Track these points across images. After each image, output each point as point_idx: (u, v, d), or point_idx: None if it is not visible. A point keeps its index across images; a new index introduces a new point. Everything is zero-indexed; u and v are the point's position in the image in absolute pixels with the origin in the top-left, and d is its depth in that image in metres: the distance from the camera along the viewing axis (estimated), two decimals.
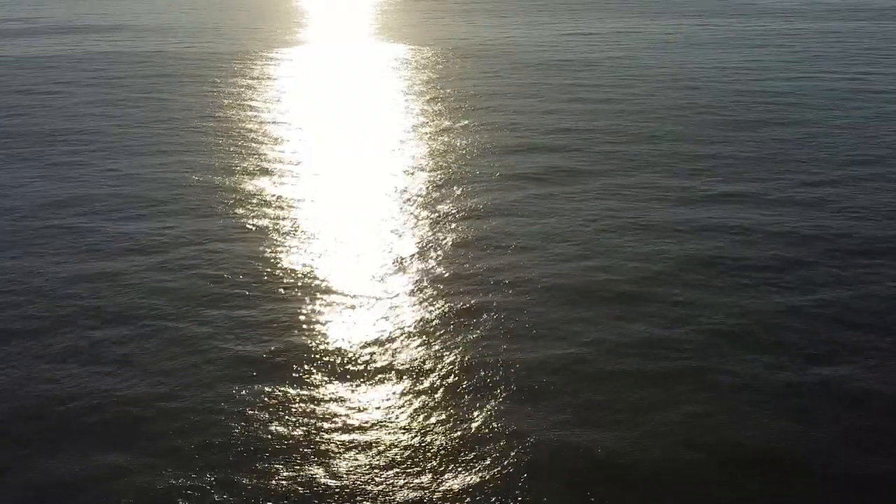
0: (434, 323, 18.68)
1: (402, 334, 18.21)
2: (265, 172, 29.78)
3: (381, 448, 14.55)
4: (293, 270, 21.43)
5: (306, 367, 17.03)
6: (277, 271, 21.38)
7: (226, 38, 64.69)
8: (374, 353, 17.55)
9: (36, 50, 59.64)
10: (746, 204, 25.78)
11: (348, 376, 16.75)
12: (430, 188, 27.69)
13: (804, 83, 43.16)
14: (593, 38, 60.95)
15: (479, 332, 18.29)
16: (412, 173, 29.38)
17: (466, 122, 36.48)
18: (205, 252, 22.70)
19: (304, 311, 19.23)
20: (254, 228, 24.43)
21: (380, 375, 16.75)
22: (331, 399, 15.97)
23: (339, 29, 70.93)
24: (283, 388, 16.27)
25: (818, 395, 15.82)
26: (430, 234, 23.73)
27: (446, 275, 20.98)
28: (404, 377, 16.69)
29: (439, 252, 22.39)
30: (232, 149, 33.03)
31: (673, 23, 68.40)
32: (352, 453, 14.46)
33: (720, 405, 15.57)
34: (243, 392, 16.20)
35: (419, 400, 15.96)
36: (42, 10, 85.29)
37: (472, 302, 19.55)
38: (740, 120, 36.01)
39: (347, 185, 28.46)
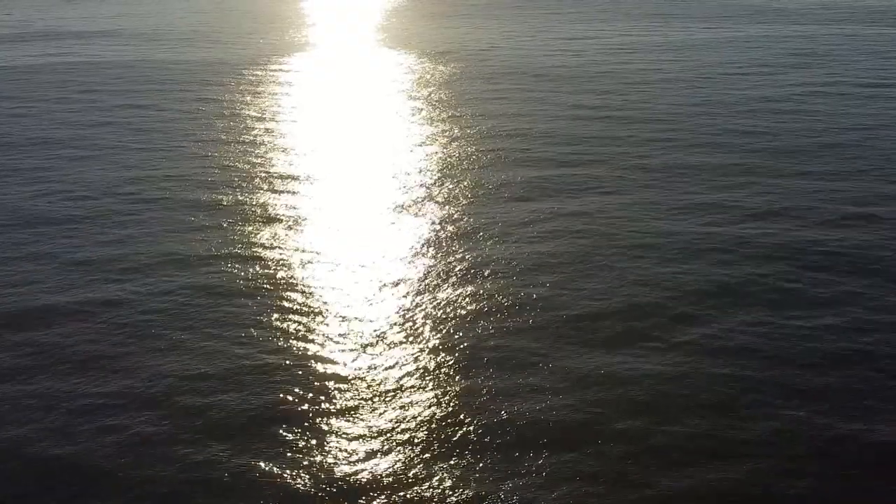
0: (428, 369, 16.28)
1: (393, 382, 15.86)
2: (245, 191, 27.23)
3: None
4: (274, 307, 18.79)
5: (286, 426, 14.47)
6: (256, 310, 18.74)
7: (218, 45, 62.16)
8: (363, 405, 15.20)
9: (17, 58, 57.23)
10: (783, 220, 23.26)
11: (328, 439, 14.30)
12: (431, 206, 25.27)
13: (828, 89, 40.58)
14: (604, 44, 58.38)
15: (477, 378, 15.91)
16: (410, 190, 26.90)
17: (470, 131, 34.01)
18: (174, 294, 19.80)
19: (283, 362, 16.59)
20: (232, 255, 21.80)
21: (370, 430, 14.42)
22: (312, 465, 13.44)
23: (341, 35, 68.31)
24: (260, 452, 13.69)
25: (874, 459, 13.30)
26: (428, 260, 21.28)
27: (445, 309, 18.55)
28: (395, 432, 14.35)
29: (437, 283, 19.90)
30: (209, 163, 30.50)
31: (687, 27, 65.90)
32: None
33: (752, 469, 13.12)
34: (217, 460, 13.62)
35: (412, 458, 13.66)
36: (31, 15, 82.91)
37: (472, 343, 17.18)
38: (766, 131, 33.41)
39: (341, 201, 26.05)
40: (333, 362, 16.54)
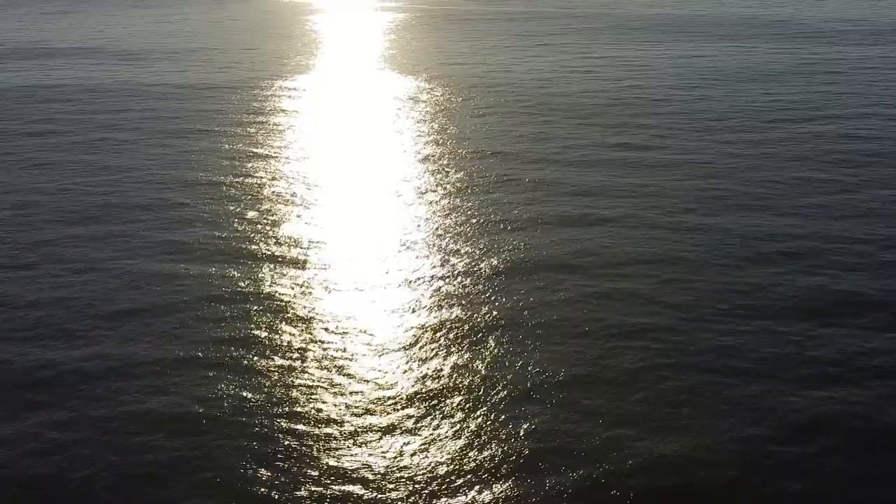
0: (428, 453, 13.77)
1: (394, 459, 13.65)
2: (213, 228, 23.48)
3: None
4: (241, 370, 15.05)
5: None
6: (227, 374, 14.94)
7: (205, 65, 58.27)
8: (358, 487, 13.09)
9: None
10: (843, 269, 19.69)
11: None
12: (432, 250, 22.25)
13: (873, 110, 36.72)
14: (621, 64, 54.48)
15: (487, 450, 13.76)
16: (414, 236, 23.30)
17: (475, 156, 30.21)
18: (118, 361, 16.10)
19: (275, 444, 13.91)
20: (198, 302, 17.97)
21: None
22: None
23: (338, 53, 64.49)
24: None
25: None
26: (433, 315, 18.57)
27: (448, 379, 15.90)
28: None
29: (444, 342, 17.30)
30: (177, 198, 26.87)
31: (723, 46, 62.15)
32: None
33: None
34: None
35: None
36: (8, 27, 79.32)
37: (477, 410, 14.86)
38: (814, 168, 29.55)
39: (328, 238, 23.27)
40: (316, 425, 14.47)
